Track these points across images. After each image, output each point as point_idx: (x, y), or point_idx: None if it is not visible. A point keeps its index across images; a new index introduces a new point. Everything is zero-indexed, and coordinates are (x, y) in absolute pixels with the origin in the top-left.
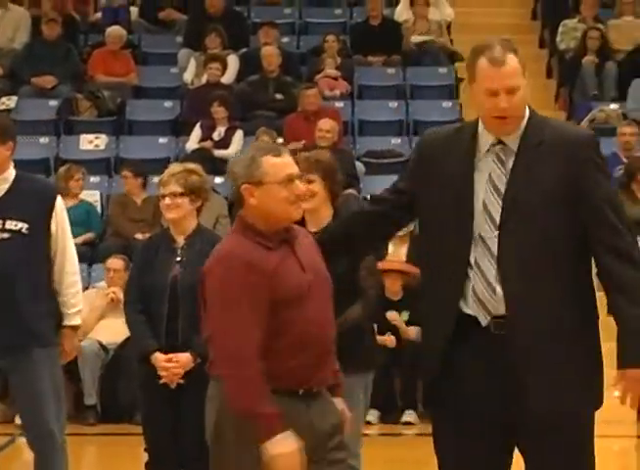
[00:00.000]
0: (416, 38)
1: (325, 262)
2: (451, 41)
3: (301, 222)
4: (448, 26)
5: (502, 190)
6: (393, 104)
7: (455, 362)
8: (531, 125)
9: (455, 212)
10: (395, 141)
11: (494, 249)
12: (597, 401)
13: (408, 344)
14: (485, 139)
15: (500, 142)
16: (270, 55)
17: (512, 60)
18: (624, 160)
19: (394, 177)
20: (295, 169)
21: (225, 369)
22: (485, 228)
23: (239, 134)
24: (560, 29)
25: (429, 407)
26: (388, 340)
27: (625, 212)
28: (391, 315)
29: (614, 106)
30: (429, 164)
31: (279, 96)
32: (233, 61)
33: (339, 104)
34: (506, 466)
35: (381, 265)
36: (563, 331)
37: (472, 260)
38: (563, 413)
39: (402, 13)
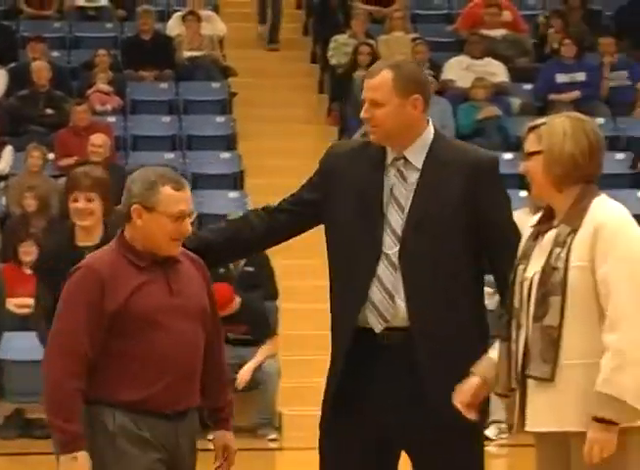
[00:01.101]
0: (188, 53)
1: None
2: (224, 56)
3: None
4: (221, 41)
5: (404, 205)
6: (166, 119)
7: (356, 374)
8: (437, 146)
9: (365, 222)
10: (169, 156)
11: (396, 261)
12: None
13: None
14: (390, 152)
15: (403, 157)
16: (40, 69)
17: (384, 75)
18: None
19: None
20: (188, 207)
21: (45, 373)
22: (387, 241)
23: (8, 150)
24: (331, 45)
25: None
26: None
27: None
28: None
29: None
30: (334, 173)
31: (50, 111)
32: (2, 75)
33: (111, 119)
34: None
35: None
36: (463, 344)
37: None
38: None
39: (174, 27)
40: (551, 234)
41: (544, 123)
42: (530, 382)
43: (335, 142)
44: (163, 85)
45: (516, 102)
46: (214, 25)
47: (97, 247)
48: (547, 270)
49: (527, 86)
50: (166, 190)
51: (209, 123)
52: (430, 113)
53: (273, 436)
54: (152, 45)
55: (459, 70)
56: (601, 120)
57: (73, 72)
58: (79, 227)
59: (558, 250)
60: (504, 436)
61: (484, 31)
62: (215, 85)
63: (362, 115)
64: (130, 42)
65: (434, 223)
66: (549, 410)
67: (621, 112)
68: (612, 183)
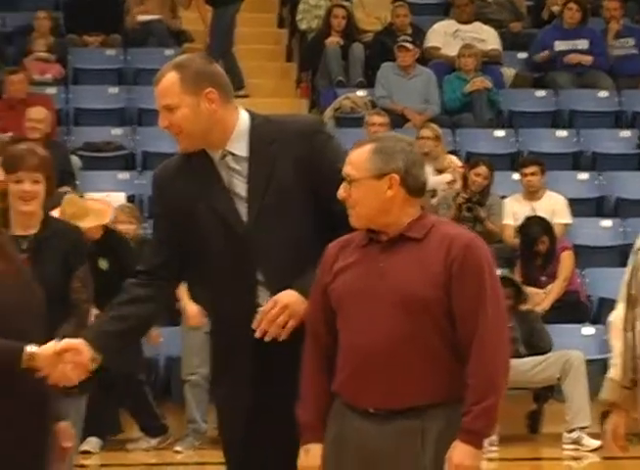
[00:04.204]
0: (140, 16)
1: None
2: (179, 20)
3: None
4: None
5: (244, 195)
6: (114, 90)
7: None
8: (257, 128)
9: (226, 233)
10: (116, 132)
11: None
12: None
13: None
14: (213, 154)
15: (228, 153)
16: None
17: (169, 78)
18: None
19: (116, 173)
20: None
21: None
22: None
23: None
24: (300, 7)
25: None
26: None
27: None
28: None
29: (360, 93)
30: (173, 196)
31: None
32: None
33: (51, 90)
34: None
35: None
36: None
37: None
38: None
39: None
40: None
41: None
42: None
43: (160, 166)
44: (110, 52)
45: (509, 72)
46: None
47: (35, 236)
48: None
49: (522, 55)
50: None
51: None
52: (411, 85)
53: None
54: (98, 7)
55: (445, 37)
56: (604, 94)
57: (9, 38)
58: (18, 213)
59: None
60: (494, 449)
61: None
62: (169, 52)
63: (160, 125)
64: (73, 3)
65: (272, 205)
66: None
67: (627, 84)
68: (615, 164)
